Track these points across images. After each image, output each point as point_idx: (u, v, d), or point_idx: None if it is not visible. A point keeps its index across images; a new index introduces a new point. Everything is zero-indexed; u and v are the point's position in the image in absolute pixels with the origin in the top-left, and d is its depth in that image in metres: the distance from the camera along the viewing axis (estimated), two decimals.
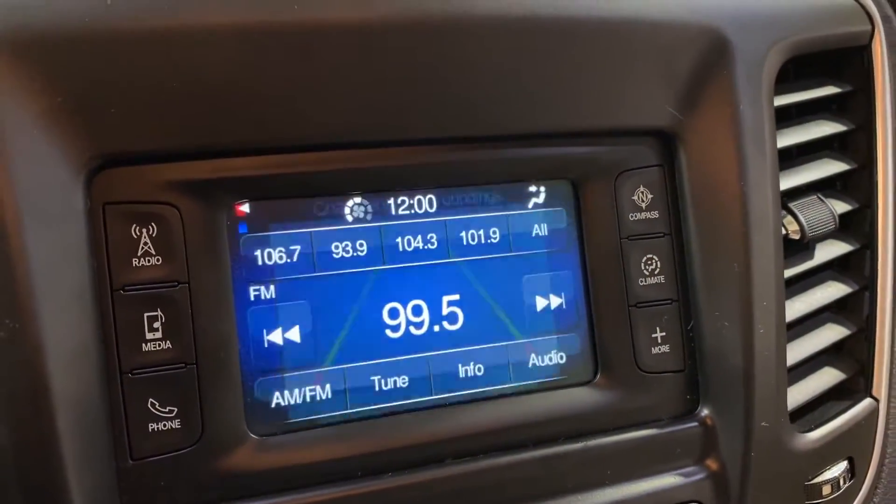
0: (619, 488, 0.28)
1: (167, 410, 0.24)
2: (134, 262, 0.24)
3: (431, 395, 0.28)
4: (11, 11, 0.23)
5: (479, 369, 0.28)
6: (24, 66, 0.22)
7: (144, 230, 0.24)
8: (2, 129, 0.22)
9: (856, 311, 0.34)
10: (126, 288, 0.24)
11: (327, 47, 0.25)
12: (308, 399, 0.27)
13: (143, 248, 0.24)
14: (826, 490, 0.31)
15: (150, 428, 0.24)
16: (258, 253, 0.26)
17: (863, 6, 0.33)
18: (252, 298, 0.26)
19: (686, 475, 0.29)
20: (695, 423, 0.29)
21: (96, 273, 0.24)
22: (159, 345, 0.24)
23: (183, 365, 0.25)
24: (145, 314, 0.24)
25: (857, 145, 0.34)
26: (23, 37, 0.22)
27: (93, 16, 0.23)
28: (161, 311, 0.24)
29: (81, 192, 0.23)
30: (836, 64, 0.34)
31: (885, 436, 0.33)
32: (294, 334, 0.27)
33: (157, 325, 0.24)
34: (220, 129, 0.24)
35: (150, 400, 0.24)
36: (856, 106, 0.34)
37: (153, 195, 0.24)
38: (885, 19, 0.35)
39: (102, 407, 0.23)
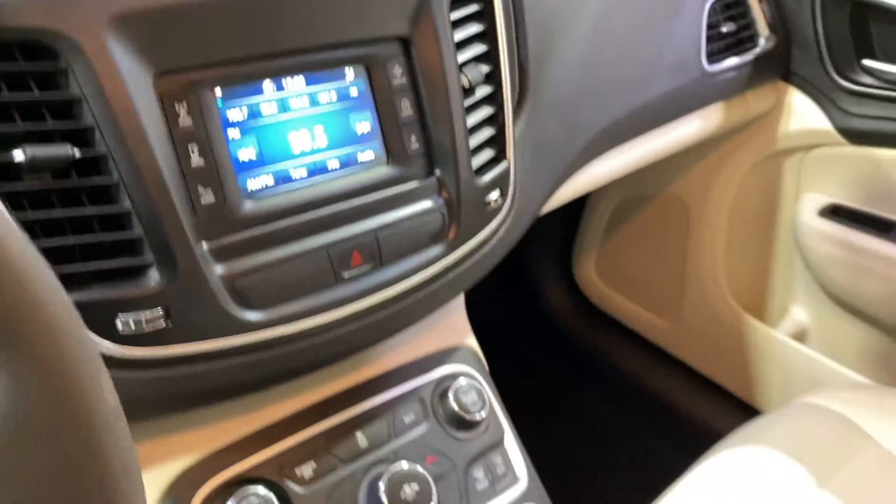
0: (403, 209, 0.59)
1: (207, 189, 0.50)
2: (179, 121, 0.49)
3: (317, 175, 0.57)
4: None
5: (336, 162, 0.58)
6: (125, 29, 0.46)
7: (181, 104, 0.49)
8: (117, 60, 0.46)
9: (497, 120, 0.68)
10: (177, 132, 0.49)
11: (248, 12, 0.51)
12: (262, 185, 0.54)
13: (182, 113, 0.49)
14: (490, 204, 0.66)
15: (201, 200, 0.50)
16: (229, 112, 0.52)
17: None
18: (230, 137, 0.52)
19: (433, 201, 0.61)
20: (434, 179, 0.62)
21: (166, 124, 0.48)
22: (197, 158, 0.50)
23: (208, 168, 0.51)
24: (188, 144, 0.50)
25: (487, 36, 0.67)
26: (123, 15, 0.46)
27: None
28: (196, 142, 0.50)
29: (153, 87, 0.48)
30: None
31: (515, 176, 0.69)
32: (251, 153, 0.54)
33: (194, 150, 0.50)
34: (208, 55, 0.50)
35: (198, 185, 0.50)
36: (489, 11, 0.67)
37: (183, 88, 0.49)
38: None
39: (183, 188, 0.49)
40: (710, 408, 1.31)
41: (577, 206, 1.48)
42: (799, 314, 1.28)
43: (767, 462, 0.87)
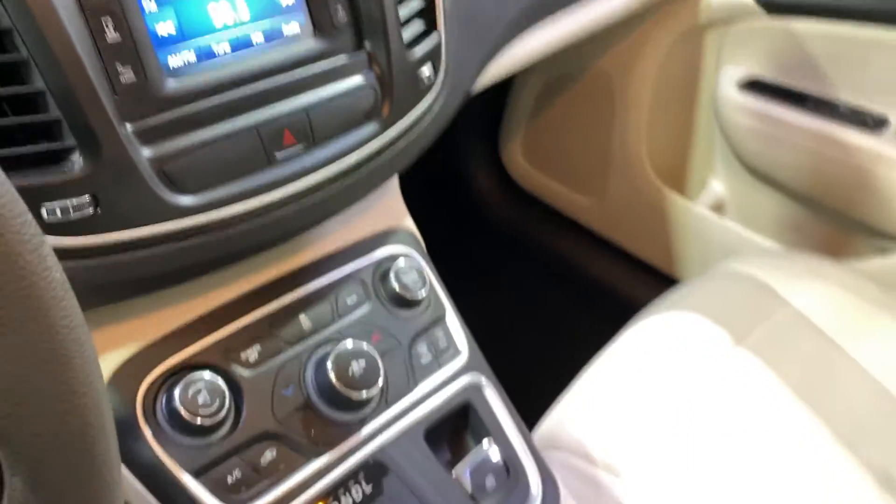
0: (334, 85, 0.57)
1: (126, 67, 0.47)
2: None
3: (241, 50, 0.54)
4: None
5: (261, 36, 0.55)
6: None
7: None
8: None
9: None
10: (87, 3, 0.45)
11: None
12: (184, 61, 0.51)
13: None
14: (422, 79, 0.64)
15: (120, 78, 0.47)
16: None
17: None
18: (146, 9, 0.49)
19: (364, 76, 0.59)
20: (364, 53, 0.60)
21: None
22: (112, 33, 0.46)
23: (125, 44, 0.47)
24: (100, 17, 0.46)
25: None
26: None
27: None
28: (109, 15, 0.46)
29: None
30: None
31: (447, 49, 0.67)
32: (170, 27, 0.50)
33: (109, 24, 0.46)
34: None
35: (116, 63, 0.47)
36: None
37: None
38: None
39: (100, 66, 0.46)
40: (634, 281, 1.36)
41: (502, 90, 1.47)
42: (717, 187, 1.32)
43: (686, 325, 0.92)
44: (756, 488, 0.74)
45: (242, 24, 0.53)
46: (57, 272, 0.25)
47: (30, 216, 0.25)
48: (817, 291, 0.98)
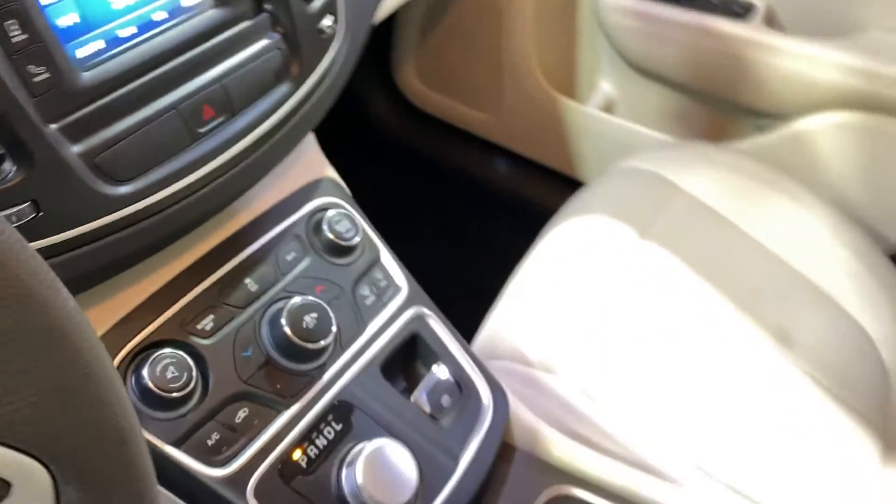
0: (242, 52, 0.57)
1: (39, 67, 0.47)
2: None
3: (147, 32, 0.54)
4: None
5: (163, 13, 0.54)
6: None
7: None
8: None
9: None
10: None
11: None
12: (93, 51, 0.51)
13: None
14: (324, 31, 0.66)
15: (34, 79, 0.47)
16: None
17: None
18: (45, 3, 0.48)
19: (269, 38, 0.59)
20: (265, 14, 0.60)
21: None
22: (18, 33, 0.46)
23: (32, 43, 0.47)
24: (3, 21, 0.45)
25: None
26: None
27: None
28: (13, 18, 0.45)
29: None
30: None
31: None
32: (73, 18, 0.50)
33: (13, 25, 0.45)
34: None
35: (28, 64, 0.46)
36: None
37: None
38: None
39: (12, 70, 0.45)
40: (541, 188, 1.42)
41: (388, 16, 1.46)
42: (606, 87, 1.38)
43: (595, 227, 0.99)
44: (673, 362, 0.83)
45: (143, 4, 0.53)
46: (70, 301, 0.27)
47: (40, 257, 0.27)
48: (708, 176, 1.06)
